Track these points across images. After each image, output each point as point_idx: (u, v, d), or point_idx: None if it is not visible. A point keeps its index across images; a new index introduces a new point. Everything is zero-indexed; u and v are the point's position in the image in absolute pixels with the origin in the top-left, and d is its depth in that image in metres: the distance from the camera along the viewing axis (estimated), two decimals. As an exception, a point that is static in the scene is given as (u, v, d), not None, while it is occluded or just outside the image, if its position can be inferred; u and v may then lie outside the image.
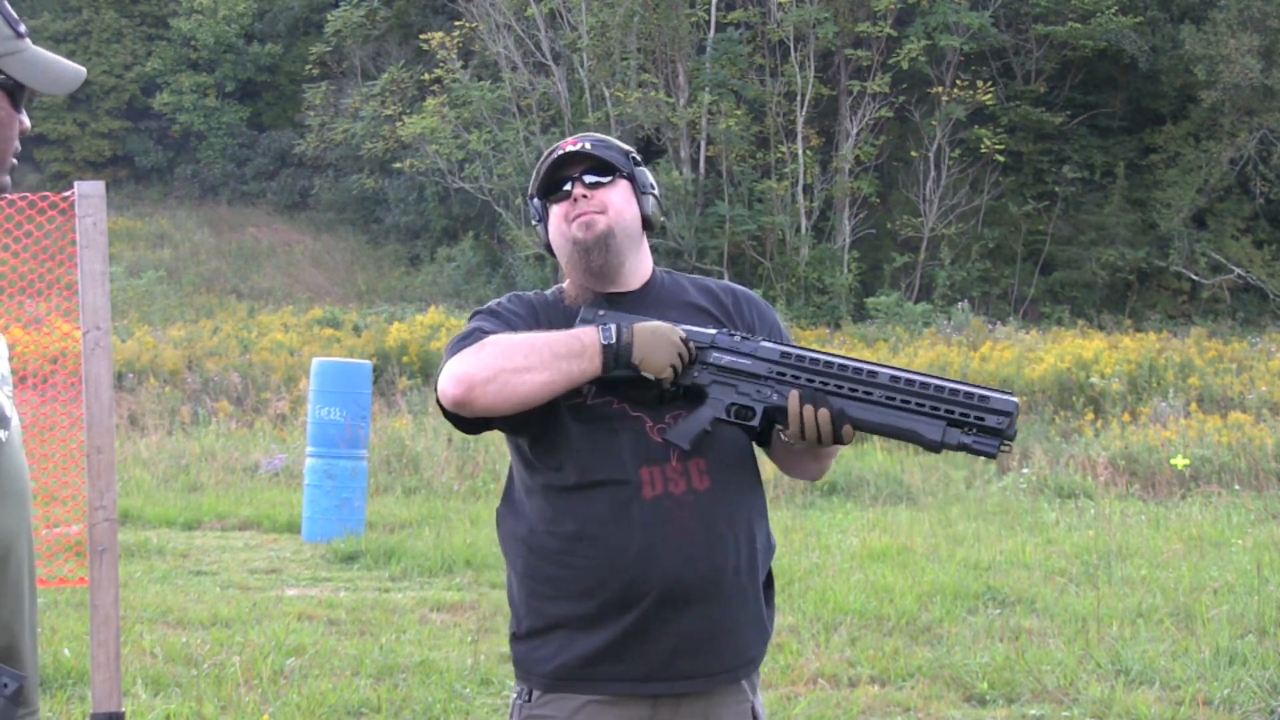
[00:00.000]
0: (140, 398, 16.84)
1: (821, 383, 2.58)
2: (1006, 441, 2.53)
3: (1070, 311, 27.23)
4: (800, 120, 28.59)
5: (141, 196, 34.12)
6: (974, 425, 2.54)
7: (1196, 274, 27.93)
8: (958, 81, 28.52)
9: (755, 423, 2.62)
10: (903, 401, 2.56)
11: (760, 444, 2.79)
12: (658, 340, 2.57)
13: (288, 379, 17.62)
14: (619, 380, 2.60)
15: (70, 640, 6.63)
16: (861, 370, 2.57)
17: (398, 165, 30.29)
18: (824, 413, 2.55)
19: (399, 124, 29.87)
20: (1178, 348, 19.87)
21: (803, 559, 9.46)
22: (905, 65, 28.00)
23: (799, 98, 28.58)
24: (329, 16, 33.59)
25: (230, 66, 34.67)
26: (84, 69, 1.89)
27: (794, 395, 2.57)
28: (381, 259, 31.39)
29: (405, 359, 18.72)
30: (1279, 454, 13.78)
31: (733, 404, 2.62)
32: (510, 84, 29.53)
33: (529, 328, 2.69)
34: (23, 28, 1.83)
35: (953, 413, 2.54)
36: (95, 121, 34.11)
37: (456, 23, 30.44)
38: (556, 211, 2.75)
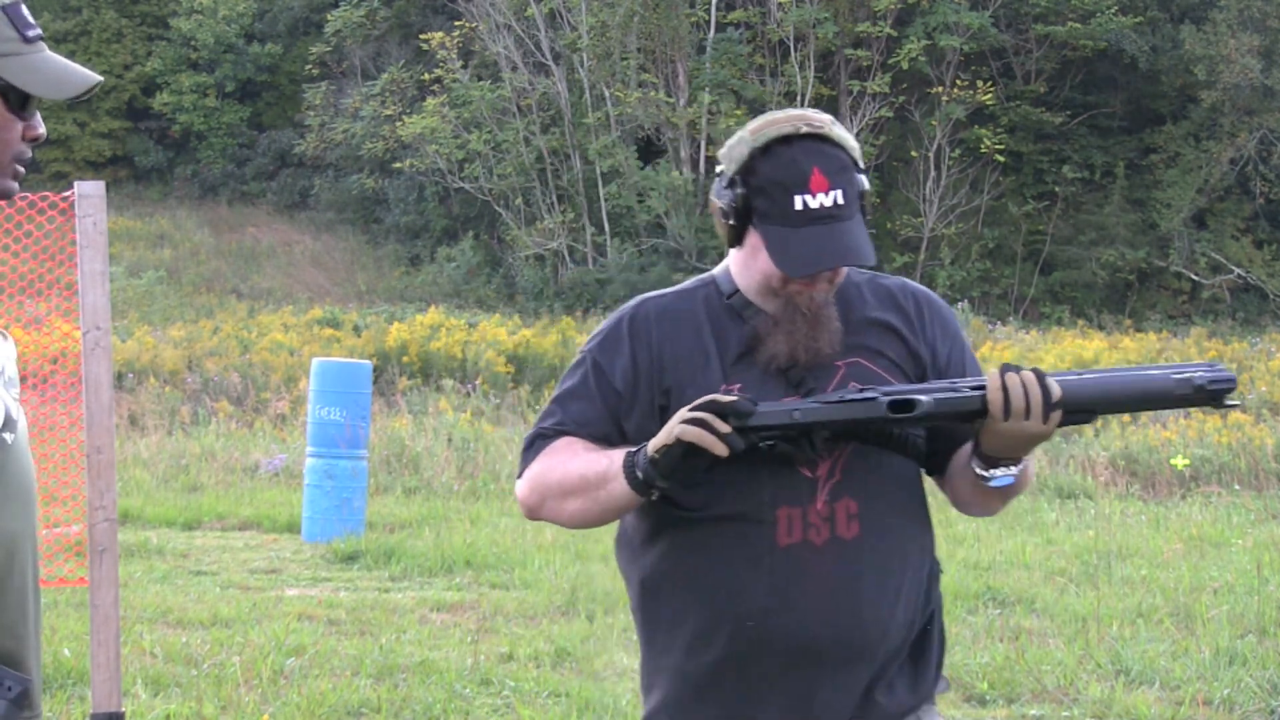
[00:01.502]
0: (140, 398, 16.83)
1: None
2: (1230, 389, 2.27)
3: (1070, 311, 27.25)
4: (800, 120, 28.55)
5: (141, 196, 34.09)
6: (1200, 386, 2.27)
7: (1196, 274, 27.93)
8: (958, 81, 28.52)
9: (969, 394, 2.24)
10: (1119, 374, 2.29)
11: (933, 472, 2.48)
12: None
13: (288, 379, 17.62)
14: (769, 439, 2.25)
15: (70, 640, 6.63)
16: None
17: (398, 165, 30.29)
18: (1029, 374, 2.21)
19: (399, 124, 29.87)
20: (1178, 348, 19.89)
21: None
22: (905, 65, 28.01)
23: (799, 98, 28.56)
24: (329, 16, 33.58)
25: (230, 66, 34.64)
26: (95, 77, 1.86)
27: (993, 370, 2.25)
28: (381, 259, 31.39)
29: (405, 359, 18.72)
30: (1279, 454, 13.78)
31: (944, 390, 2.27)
32: (510, 84, 29.53)
33: (628, 381, 2.38)
34: (32, 32, 1.81)
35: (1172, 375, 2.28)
36: (95, 121, 34.10)
37: (456, 23, 30.44)
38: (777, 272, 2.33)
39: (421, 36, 31.06)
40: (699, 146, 29.04)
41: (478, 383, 17.75)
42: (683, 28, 28.84)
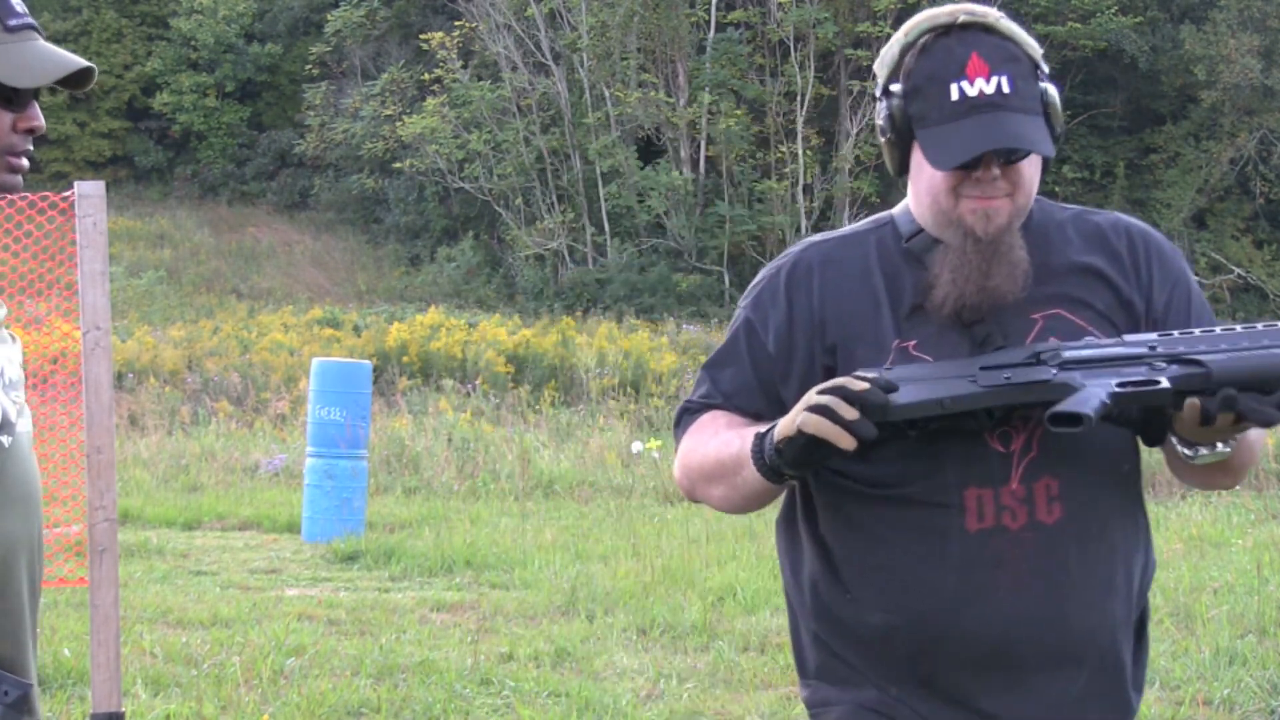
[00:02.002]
0: (140, 398, 16.84)
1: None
2: None
3: (1070, 311, 27.30)
4: (800, 120, 28.58)
5: (141, 196, 34.11)
6: None
7: (1196, 274, 27.87)
8: (958, 81, 28.54)
9: (1164, 385, 1.85)
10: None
11: (1152, 442, 2.06)
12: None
13: (288, 379, 17.63)
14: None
15: (70, 640, 6.63)
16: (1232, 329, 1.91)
17: (398, 165, 30.31)
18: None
19: (399, 124, 29.88)
20: (1178, 348, 19.87)
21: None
22: (905, 65, 28.03)
23: (799, 98, 28.58)
24: (329, 16, 33.60)
25: (230, 66, 34.66)
26: (79, 61, 1.78)
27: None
28: (381, 259, 31.40)
29: (405, 359, 18.73)
30: (1279, 454, 13.77)
31: (1127, 381, 1.87)
32: (510, 84, 29.54)
33: (782, 341, 2.08)
34: (15, 21, 1.75)
35: None
36: (95, 121, 34.12)
37: (456, 23, 30.45)
38: (939, 174, 1.97)
39: (421, 36, 31.07)
40: (699, 146, 29.04)
41: (478, 383, 17.76)
42: (683, 28, 28.85)
